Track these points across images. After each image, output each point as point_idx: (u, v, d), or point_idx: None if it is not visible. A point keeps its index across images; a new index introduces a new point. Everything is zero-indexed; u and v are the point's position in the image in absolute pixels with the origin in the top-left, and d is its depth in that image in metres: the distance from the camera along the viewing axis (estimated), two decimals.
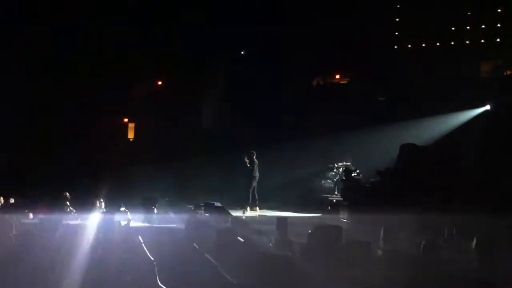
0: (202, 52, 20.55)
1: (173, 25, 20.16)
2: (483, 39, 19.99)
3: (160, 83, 22.61)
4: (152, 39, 20.31)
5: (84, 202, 15.58)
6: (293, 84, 20.81)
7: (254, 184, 16.93)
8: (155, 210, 15.95)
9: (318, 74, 22.20)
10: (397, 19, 21.18)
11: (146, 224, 13.63)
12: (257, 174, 16.93)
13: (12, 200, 14.64)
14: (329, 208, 16.53)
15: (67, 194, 15.81)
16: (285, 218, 11.59)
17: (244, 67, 21.26)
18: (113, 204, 14.34)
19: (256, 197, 16.94)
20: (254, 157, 16.86)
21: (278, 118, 19.58)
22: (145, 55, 20.60)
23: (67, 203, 15.26)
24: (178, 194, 17.27)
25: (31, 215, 13.81)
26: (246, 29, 20.59)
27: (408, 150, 13.75)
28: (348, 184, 15.49)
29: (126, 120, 22.54)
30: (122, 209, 11.22)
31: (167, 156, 19.69)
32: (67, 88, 20.41)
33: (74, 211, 14.99)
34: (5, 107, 19.31)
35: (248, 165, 16.83)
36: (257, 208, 16.91)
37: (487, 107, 18.05)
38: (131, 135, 22.67)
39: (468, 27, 20.32)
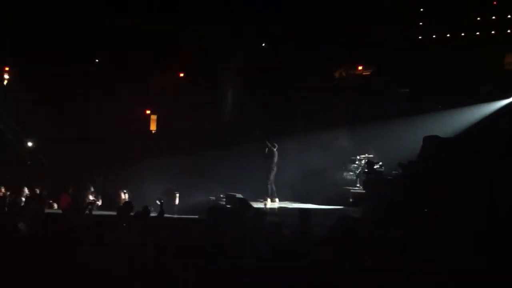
0: (223, 43, 20.53)
1: (194, 16, 20.16)
2: (509, 30, 19.62)
3: (182, 75, 22.65)
4: (174, 30, 20.35)
5: (108, 193, 15.79)
6: (315, 76, 20.70)
7: (273, 175, 16.94)
8: (177, 201, 16.11)
9: (340, 65, 22.04)
10: (421, 9, 20.88)
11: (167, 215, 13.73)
12: (276, 165, 16.94)
13: (37, 191, 14.85)
14: (351, 200, 16.48)
15: (90, 185, 16.03)
16: (307, 210, 11.59)
17: (265, 58, 21.21)
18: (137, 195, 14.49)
19: (274, 188, 16.95)
20: (275, 149, 16.86)
21: (300, 110, 19.49)
22: (167, 47, 20.67)
23: (90, 194, 15.45)
24: (199, 185, 17.38)
25: (55, 205, 14.02)
26: (267, 20, 20.52)
27: (432, 142, 13.59)
28: (370, 177, 15.39)
29: (148, 112, 22.66)
30: (158, 202, 11.29)
31: (188, 148, 19.79)
32: (90, 80, 20.60)
33: (98, 202, 15.18)
34: (28, 99, 19.58)
35: (266, 150, 16.83)
36: (277, 199, 16.93)
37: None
38: (153, 127, 22.79)
39: (493, 17, 19.95)
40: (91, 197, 15.15)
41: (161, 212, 10.71)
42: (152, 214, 10.33)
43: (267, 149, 16.90)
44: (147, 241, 8.56)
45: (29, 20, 19.14)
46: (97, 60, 21.91)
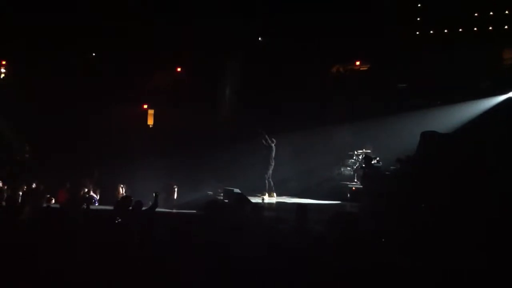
0: (221, 40, 20.48)
1: (193, 13, 20.11)
2: (506, 26, 19.61)
3: (179, 69, 22.59)
4: (173, 27, 20.29)
5: (106, 188, 15.77)
6: (313, 72, 20.67)
7: (271, 170, 16.94)
8: (175, 196, 16.10)
9: (337, 61, 22.01)
10: (419, 5, 20.85)
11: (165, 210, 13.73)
12: (273, 160, 16.94)
13: (34, 185, 14.82)
14: (349, 195, 16.51)
15: (87, 180, 16.01)
16: (305, 205, 11.58)
17: (262, 55, 21.18)
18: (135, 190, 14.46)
19: (272, 183, 16.96)
20: (273, 144, 16.86)
21: (297, 106, 19.49)
22: (164, 42, 20.62)
23: (86, 189, 15.43)
24: (198, 180, 17.37)
25: (53, 200, 13.99)
26: (264, 15, 20.49)
27: (429, 137, 13.59)
28: (367, 172, 15.40)
29: (145, 106, 22.63)
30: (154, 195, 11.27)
31: (186, 143, 19.77)
32: (88, 75, 20.56)
33: (95, 196, 15.15)
34: (24, 93, 19.54)
35: (264, 143, 16.82)
36: (275, 194, 16.94)
37: (510, 94, 17.80)
38: (150, 122, 22.76)
39: (491, 13, 19.94)
40: (87, 191, 15.14)
41: (154, 204, 10.68)
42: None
43: (264, 141, 16.86)
44: (141, 235, 8.56)
45: (25, 18, 19.09)
46: (93, 57, 21.84)
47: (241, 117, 20.44)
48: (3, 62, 21.26)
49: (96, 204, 14.33)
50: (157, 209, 11.51)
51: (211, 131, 20.44)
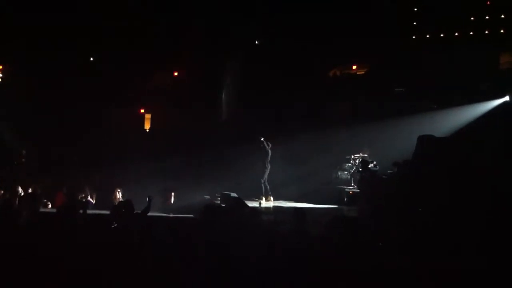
0: (218, 43, 20.49)
1: (189, 16, 20.14)
2: (503, 29, 19.69)
3: (179, 70, 22.57)
4: (170, 29, 20.31)
5: (103, 193, 15.68)
6: (310, 75, 20.69)
7: (267, 174, 16.93)
8: (172, 200, 16.06)
9: (335, 65, 22.05)
10: (415, 9, 20.93)
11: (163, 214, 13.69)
12: (269, 164, 16.92)
13: (30, 190, 14.74)
14: (346, 199, 16.50)
15: (84, 184, 15.93)
16: (302, 208, 11.57)
17: (260, 57, 21.18)
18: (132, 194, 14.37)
19: (268, 187, 16.93)
20: (269, 148, 16.83)
21: (295, 109, 19.48)
22: (164, 42, 20.64)
23: (83, 194, 15.35)
24: (195, 184, 17.33)
25: (50, 205, 13.93)
26: (262, 18, 20.52)
27: (426, 141, 13.60)
28: (365, 176, 15.39)
29: (142, 111, 22.60)
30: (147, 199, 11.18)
31: (183, 147, 19.75)
32: (85, 78, 20.54)
33: (92, 201, 15.07)
34: (24, 94, 19.52)
35: (263, 146, 16.79)
36: (271, 198, 16.91)
37: (507, 98, 17.84)
38: (147, 126, 22.75)
39: (487, 17, 20.03)
40: (84, 196, 15.07)
41: (146, 209, 10.60)
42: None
43: (262, 145, 16.84)
44: (140, 235, 8.51)
45: (24, 19, 19.10)
46: (92, 59, 21.84)
47: (241, 117, 20.42)
48: (0, 67, 21.25)
49: (90, 205, 14.23)
50: (154, 214, 11.44)
51: (210, 132, 20.42)
